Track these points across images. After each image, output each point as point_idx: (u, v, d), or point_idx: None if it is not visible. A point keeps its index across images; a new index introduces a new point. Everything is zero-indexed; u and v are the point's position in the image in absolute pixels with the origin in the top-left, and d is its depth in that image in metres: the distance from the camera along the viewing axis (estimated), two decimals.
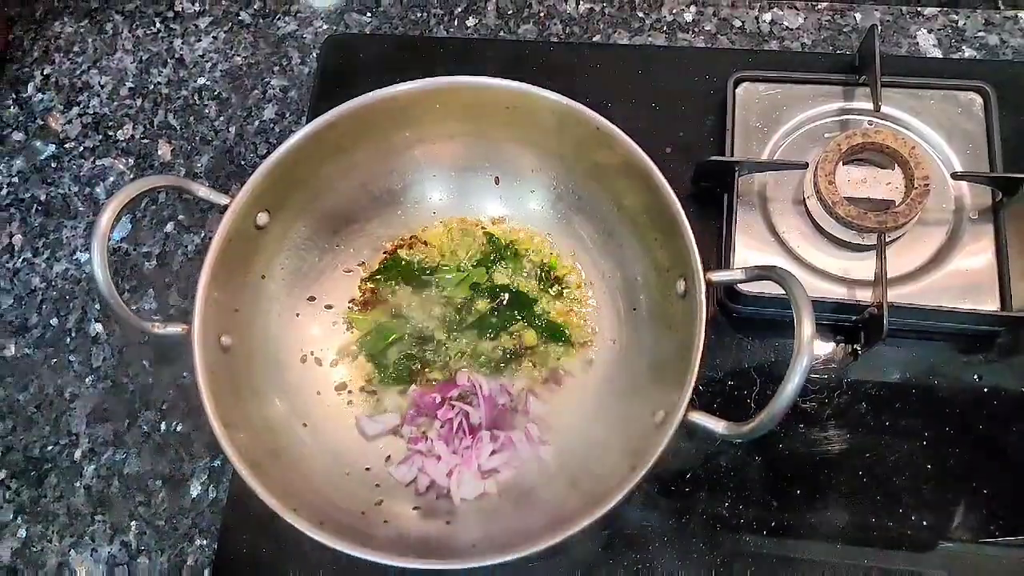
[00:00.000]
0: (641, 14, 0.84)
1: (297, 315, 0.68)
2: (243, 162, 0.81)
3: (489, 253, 0.72)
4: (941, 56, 0.79)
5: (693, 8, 0.83)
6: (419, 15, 0.86)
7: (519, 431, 0.65)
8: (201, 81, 0.85)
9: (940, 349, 0.67)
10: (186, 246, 0.78)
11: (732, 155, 0.71)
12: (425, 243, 0.73)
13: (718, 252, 0.70)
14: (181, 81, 0.85)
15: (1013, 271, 0.66)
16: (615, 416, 0.64)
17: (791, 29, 0.82)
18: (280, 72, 0.85)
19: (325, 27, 0.86)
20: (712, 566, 0.63)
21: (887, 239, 0.66)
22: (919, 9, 0.81)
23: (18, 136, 0.84)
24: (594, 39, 0.83)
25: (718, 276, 0.56)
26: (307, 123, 0.63)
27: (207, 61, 0.86)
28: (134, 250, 0.78)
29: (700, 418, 0.52)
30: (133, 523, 0.69)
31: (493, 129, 0.67)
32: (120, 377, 0.73)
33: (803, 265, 0.68)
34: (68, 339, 0.75)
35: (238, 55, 0.86)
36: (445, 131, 0.68)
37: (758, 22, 0.82)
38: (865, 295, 0.66)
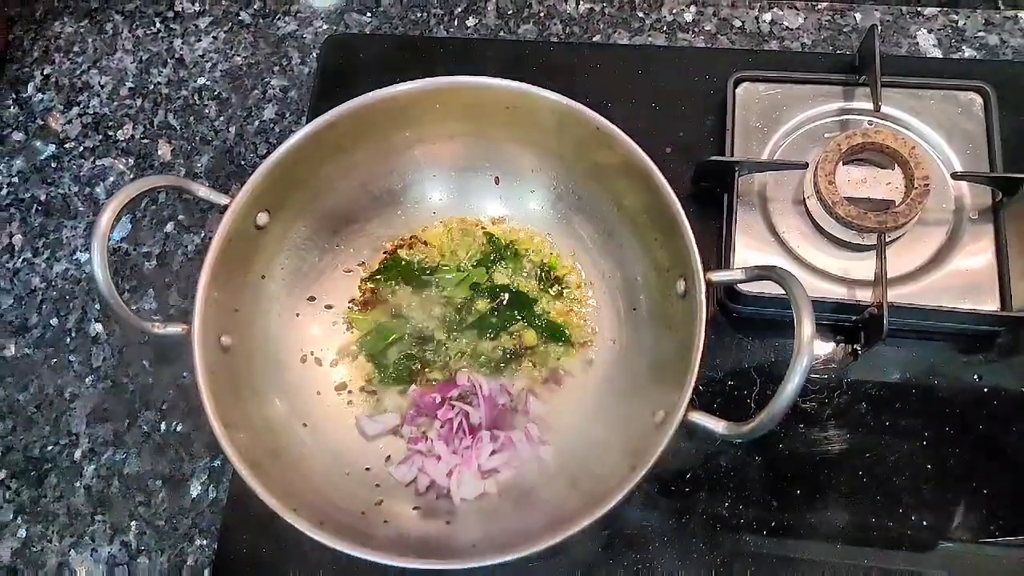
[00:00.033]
0: (641, 14, 0.84)
1: (297, 315, 0.68)
2: (243, 162, 0.81)
3: (489, 253, 0.72)
4: (941, 56, 0.79)
5: (693, 8, 0.83)
6: (419, 15, 0.86)
7: (519, 431, 0.65)
8: (201, 81, 0.85)
9: (940, 349, 0.67)
10: (186, 246, 0.78)
11: (732, 155, 0.71)
12: (425, 243, 0.73)
13: (718, 252, 0.70)
14: (181, 81, 0.85)
15: (1013, 271, 0.66)
16: (615, 416, 0.63)
17: (791, 29, 0.82)
18: (280, 72, 0.85)
19: (325, 27, 0.86)
20: (712, 566, 0.63)
21: (887, 239, 0.66)
22: (919, 9, 0.81)
23: (18, 136, 0.84)
24: (594, 39, 0.83)
25: (718, 276, 0.56)
26: (307, 123, 0.63)
27: (207, 61, 0.86)
28: (134, 250, 0.78)
29: (700, 418, 0.52)
30: (133, 523, 0.69)
31: (493, 129, 0.67)
32: (120, 377, 0.73)
33: (803, 265, 0.68)
34: (68, 339, 0.75)
35: (238, 55, 0.86)
36: (445, 131, 0.68)
37: (758, 22, 0.82)
38: (865, 295, 0.66)
